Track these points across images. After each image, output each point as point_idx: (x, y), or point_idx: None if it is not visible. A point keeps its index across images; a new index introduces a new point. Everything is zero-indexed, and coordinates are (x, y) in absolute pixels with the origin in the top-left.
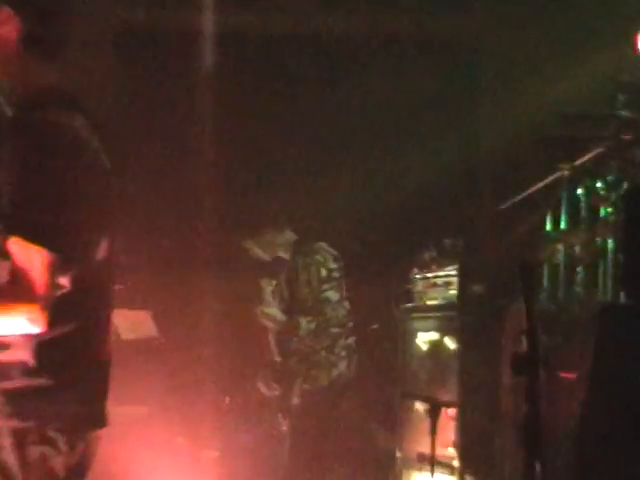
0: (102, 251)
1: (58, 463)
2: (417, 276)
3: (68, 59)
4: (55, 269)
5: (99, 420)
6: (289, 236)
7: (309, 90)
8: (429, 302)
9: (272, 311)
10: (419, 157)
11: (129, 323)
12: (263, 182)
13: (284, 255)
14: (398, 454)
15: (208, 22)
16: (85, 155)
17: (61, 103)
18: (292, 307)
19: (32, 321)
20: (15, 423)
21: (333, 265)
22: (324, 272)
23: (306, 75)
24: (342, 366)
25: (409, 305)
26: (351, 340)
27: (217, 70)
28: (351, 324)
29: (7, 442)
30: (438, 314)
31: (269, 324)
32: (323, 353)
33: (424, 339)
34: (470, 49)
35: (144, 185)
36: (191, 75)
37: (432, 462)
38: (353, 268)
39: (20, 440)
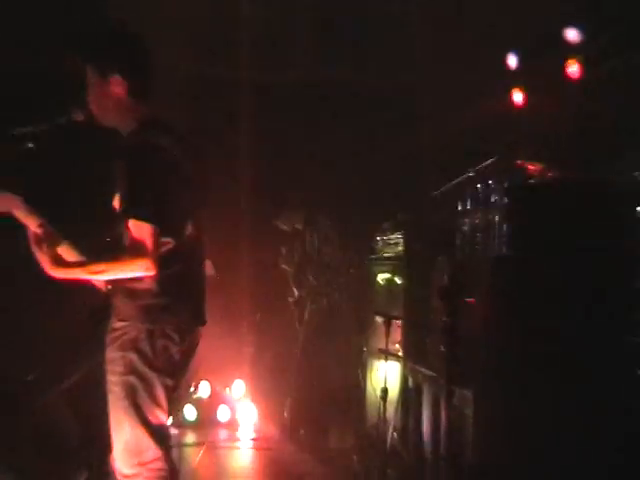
0: (189, 227)
1: (175, 351)
2: (378, 238)
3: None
4: (157, 237)
5: (200, 321)
6: (302, 214)
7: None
8: (386, 254)
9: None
10: (384, 161)
11: None
12: (284, 177)
13: (299, 226)
14: (365, 349)
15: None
16: (174, 163)
17: (156, 129)
18: (302, 259)
19: (146, 269)
20: (147, 326)
21: (329, 231)
22: (323, 236)
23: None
24: (335, 295)
25: (374, 256)
26: (341, 279)
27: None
28: (340, 269)
29: (143, 337)
30: (392, 262)
31: (288, 270)
32: (323, 287)
33: (383, 278)
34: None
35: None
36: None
37: (386, 353)
38: (342, 233)
39: (150, 336)
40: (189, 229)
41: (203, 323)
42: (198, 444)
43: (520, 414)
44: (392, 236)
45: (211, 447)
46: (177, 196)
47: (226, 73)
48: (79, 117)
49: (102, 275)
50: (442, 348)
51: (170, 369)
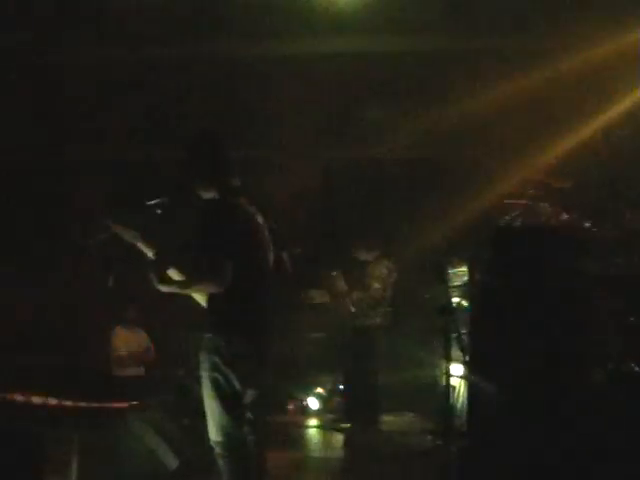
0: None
1: (247, 355)
2: (450, 270)
3: None
4: (226, 270)
5: (265, 335)
6: (373, 253)
7: None
8: (455, 283)
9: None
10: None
11: None
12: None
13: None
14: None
15: None
16: (244, 212)
17: (230, 192)
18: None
19: (215, 289)
20: (224, 336)
21: (385, 271)
22: (382, 273)
23: None
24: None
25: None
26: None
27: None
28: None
29: (223, 345)
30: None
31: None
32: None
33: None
34: None
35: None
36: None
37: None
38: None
39: (228, 344)
40: (259, 265)
41: (265, 338)
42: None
43: None
44: (460, 268)
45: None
46: (246, 242)
47: None
48: (184, 190)
49: (189, 290)
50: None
51: (243, 369)
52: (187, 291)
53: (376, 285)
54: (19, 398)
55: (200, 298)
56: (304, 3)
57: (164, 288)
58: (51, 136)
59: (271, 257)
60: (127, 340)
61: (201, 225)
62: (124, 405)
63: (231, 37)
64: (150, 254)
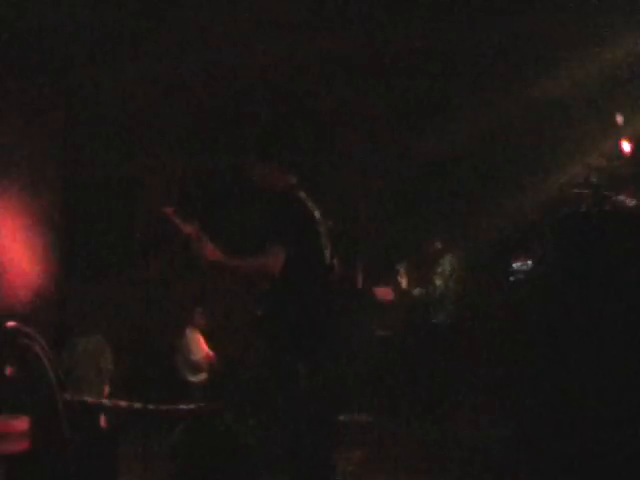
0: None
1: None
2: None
3: None
4: (283, 259)
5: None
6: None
7: None
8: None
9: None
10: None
11: None
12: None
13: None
14: None
15: None
16: (305, 206)
17: (295, 188)
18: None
19: (267, 275)
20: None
21: (448, 267)
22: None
23: None
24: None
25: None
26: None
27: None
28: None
29: None
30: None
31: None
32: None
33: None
34: None
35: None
36: None
37: None
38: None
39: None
40: (312, 256)
41: (327, 332)
42: None
43: None
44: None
45: None
46: (305, 235)
47: None
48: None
49: (239, 270)
50: None
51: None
52: (238, 269)
53: (438, 281)
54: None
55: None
56: None
57: (215, 261)
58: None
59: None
60: (199, 344)
61: (270, 214)
62: (192, 407)
63: None
64: (188, 228)
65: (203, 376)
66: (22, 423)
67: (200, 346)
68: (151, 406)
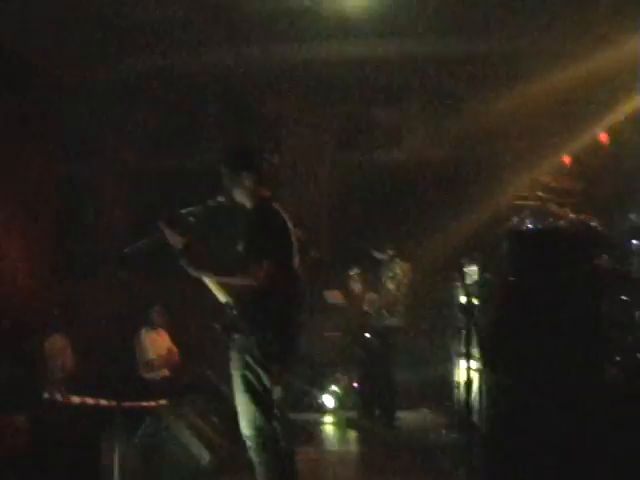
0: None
1: (275, 354)
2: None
3: None
4: (263, 271)
5: (289, 338)
6: (388, 254)
7: None
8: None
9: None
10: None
11: None
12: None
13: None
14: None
15: None
16: (282, 219)
17: (269, 200)
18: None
19: (250, 285)
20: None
21: (400, 272)
22: (396, 273)
23: None
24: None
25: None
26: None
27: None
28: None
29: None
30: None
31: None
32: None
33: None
34: None
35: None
36: None
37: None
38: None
39: (258, 344)
40: (287, 266)
41: (294, 338)
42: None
43: None
44: (470, 267)
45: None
46: (287, 242)
47: None
48: (222, 200)
49: (225, 283)
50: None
51: (273, 367)
52: (224, 281)
53: (390, 286)
54: (75, 400)
55: (222, 295)
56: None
57: (197, 272)
58: None
59: (298, 261)
60: (153, 343)
61: (249, 227)
62: (154, 405)
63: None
64: (180, 242)
65: (159, 374)
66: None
67: (154, 345)
68: (114, 403)
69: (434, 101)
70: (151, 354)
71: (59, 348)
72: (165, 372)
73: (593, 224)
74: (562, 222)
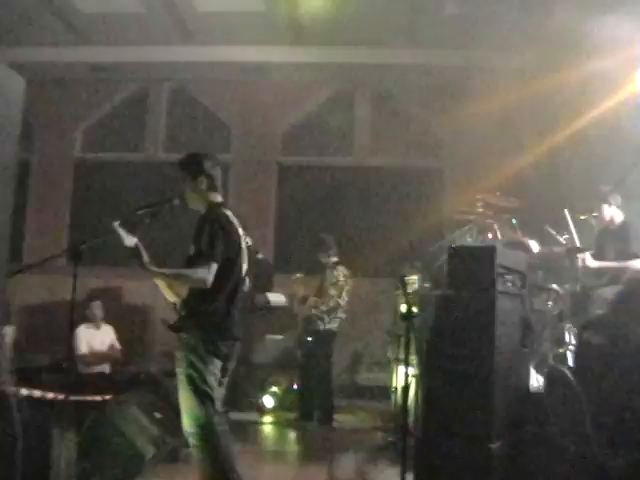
0: (240, 264)
1: (220, 353)
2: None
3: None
4: (212, 271)
5: (235, 336)
6: (331, 260)
7: None
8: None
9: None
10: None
11: None
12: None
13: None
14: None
15: None
16: (233, 224)
17: (221, 206)
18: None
19: (202, 284)
20: (201, 336)
21: (342, 278)
22: (338, 279)
23: None
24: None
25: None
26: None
27: None
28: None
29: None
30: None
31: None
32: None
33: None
34: None
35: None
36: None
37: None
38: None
39: (203, 343)
40: (235, 270)
41: (237, 338)
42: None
43: None
44: (411, 277)
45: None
46: (233, 244)
47: None
48: (176, 202)
49: (176, 279)
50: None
51: (217, 366)
52: (174, 279)
53: (332, 291)
54: (24, 392)
55: (170, 295)
56: None
57: (152, 269)
58: None
59: (246, 265)
60: (89, 339)
61: (201, 230)
62: (99, 399)
63: None
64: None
65: (95, 369)
66: None
67: (90, 341)
68: (61, 396)
69: (378, 108)
70: (84, 349)
71: (10, 340)
72: (105, 367)
73: (530, 241)
74: (500, 239)
